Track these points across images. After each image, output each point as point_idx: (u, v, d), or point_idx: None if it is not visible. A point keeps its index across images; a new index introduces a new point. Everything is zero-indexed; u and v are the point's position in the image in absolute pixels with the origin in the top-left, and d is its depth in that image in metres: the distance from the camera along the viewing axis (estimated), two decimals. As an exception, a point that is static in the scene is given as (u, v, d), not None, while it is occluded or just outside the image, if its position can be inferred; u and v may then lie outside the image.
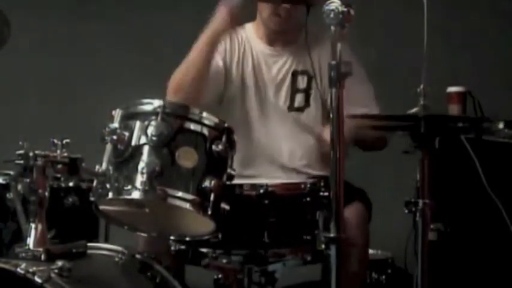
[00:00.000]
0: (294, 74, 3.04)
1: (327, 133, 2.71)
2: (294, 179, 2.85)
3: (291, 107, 3.03)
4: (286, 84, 3.04)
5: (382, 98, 3.11)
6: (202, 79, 2.88)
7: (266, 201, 2.41)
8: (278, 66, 3.06)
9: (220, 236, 2.36)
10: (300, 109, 3.03)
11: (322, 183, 2.47)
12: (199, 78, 2.87)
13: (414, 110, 2.48)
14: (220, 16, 2.89)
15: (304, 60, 3.02)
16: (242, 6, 2.90)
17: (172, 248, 2.52)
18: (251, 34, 3.11)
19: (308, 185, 2.48)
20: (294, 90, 3.03)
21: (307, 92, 3.03)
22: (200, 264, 2.54)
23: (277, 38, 3.07)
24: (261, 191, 2.42)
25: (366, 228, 2.81)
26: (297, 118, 3.02)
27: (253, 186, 2.44)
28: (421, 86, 2.46)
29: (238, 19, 2.96)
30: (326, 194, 2.42)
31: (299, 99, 3.03)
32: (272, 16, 3.00)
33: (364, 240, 2.79)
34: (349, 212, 2.58)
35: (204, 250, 2.52)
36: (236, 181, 2.39)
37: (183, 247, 2.52)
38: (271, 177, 2.83)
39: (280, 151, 3.01)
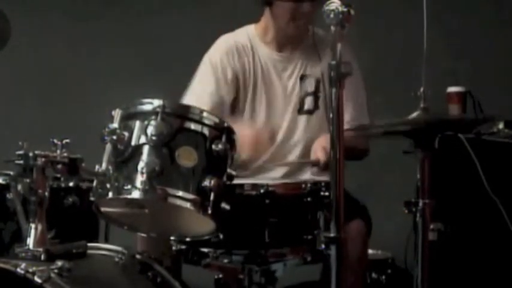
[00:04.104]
0: (302, 78, 3.05)
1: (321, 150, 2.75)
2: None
3: (300, 111, 3.04)
4: (296, 89, 3.04)
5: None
6: None
7: (267, 201, 2.41)
8: (288, 73, 3.06)
9: (221, 235, 2.36)
10: (310, 112, 3.04)
11: (322, 183, 2.46)
12: None
13: (415, 114, 2.47)
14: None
15: (312, 63, 3.02)
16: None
17: (174, 247, 2.52)
18: (257, 41, 3.07)
19: (309, 185, 2.48)
20: (303, 93, 3.04)
21: (315, 94, 3.04)
22: (201, 264, 2.54)
23: (288, 42, 3.06)
24: (262, 190, 2.41)
25: (365, 245, 2.84)
26: (307, 121, 3.03)
27: (254, 186, 2.43)
28: (421, 89, 2.45)
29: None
30: (327, 193, 2.41)
31: (308, 102, 3.04)
32: (291, 22, 2.97)
33: (363, 256, 2.82)
34: (350, 230, 2.59)
35: (205, 250, 2.51)
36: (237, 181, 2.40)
37: (183, 247, 2.52)
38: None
39: (289, 155, 3.02)
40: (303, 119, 3.04)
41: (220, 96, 3.00)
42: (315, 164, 2.82)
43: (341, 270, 2.16)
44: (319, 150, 2.80)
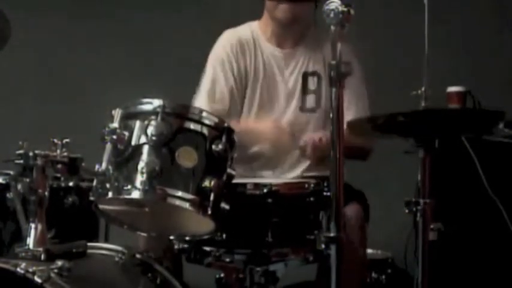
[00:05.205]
0: (305, 75, 3.04)
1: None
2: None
3: (302, 108, 3.03)
4: (298, 86, 3.04)
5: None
6: None
7: (270, 201, 2.41)
8: (290, 69, 3.05)
9: (224, 235, 2.35)
10: (312, 110, 3.03)
11: (325, 183, 2.46)
12: None
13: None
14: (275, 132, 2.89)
15: (315, 60, 3.02)
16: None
17: (176, 246, 2.52)
18: (259, 36, 3.08)
19: (311, 185, 2.48)
20: (305, 91, 3.03)
21: (318, 93, 3.03)
22: (203, 262, 2.54)
23: (286, 36, 3.05)
24: (265, 190, 2.41)
25: (363, 227, 2.80)
26: (309, 119, 3.03)
27: (257, 186, 2.44)
28: (422, 88, 2.45)
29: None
30: (329, 194, 2.41)
31: (310, 100, 3.03)
32: (279, 6, 2.96)
33: (362, 239, 2.78)
34: (346, 212, 2.58)
35: (207, 249, 2.51)
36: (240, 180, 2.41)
37: (186, 245, 2.52)
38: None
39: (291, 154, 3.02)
40: (305, 117, 3.03)
41: (229, 89, 3.01)
42: (303, 150, 2.82)
43: (341, 270, 2.16)
44: (309, 138, 2.80)
